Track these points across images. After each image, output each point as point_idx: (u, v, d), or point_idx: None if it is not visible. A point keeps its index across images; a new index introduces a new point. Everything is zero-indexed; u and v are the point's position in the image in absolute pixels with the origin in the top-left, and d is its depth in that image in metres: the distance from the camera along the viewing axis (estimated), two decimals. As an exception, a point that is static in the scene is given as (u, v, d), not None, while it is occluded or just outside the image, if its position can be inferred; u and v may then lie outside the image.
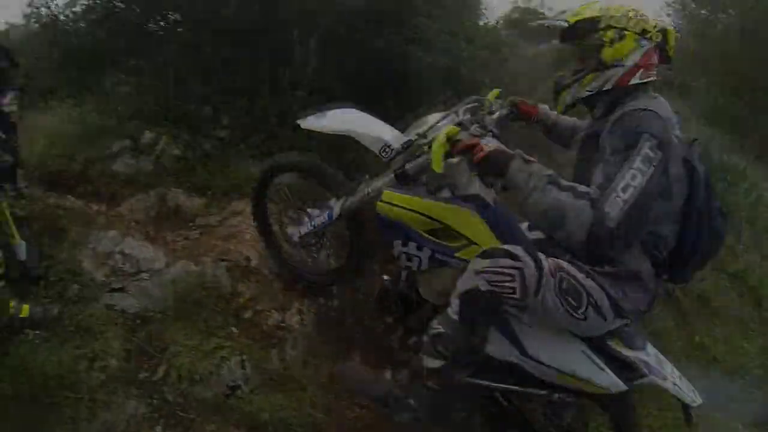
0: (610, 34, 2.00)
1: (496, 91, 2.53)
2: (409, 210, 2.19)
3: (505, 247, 2.02)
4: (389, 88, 4.25)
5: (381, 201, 2.25)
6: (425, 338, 2.17)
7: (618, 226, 1.71)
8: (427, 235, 2.20)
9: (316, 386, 2.73)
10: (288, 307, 2.97)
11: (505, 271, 1.95)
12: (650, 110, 1.87)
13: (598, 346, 2.12)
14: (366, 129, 2.43)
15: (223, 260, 3.10)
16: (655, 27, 2.01)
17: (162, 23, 4.69)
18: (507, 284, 1.95)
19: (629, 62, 2.00)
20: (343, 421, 2.69)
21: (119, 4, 4.57)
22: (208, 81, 4.27)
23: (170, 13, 4.65)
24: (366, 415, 2.73)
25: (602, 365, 2.09)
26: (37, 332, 2.49)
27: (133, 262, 3.00)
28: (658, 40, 2.02)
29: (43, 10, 4.62)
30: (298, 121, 2.61)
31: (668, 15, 10.78)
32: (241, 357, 2.65)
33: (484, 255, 2.02)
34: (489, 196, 2.27)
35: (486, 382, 2.26)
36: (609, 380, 2.09)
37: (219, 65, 4.26)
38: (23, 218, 2.82)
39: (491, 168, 1.93)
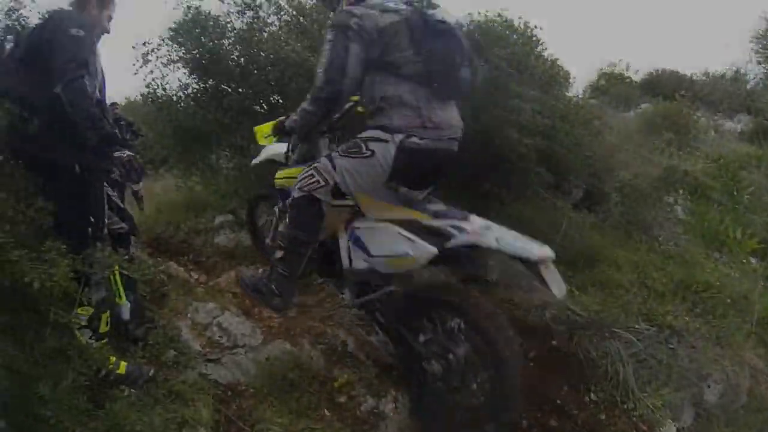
0: None
1: None
2: (287, 177, 3.02)
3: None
4: (485, 169, 4.22)
5: (275, 178, 3.14)
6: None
7: (323, 84, 2.45)
8: None
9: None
10: (383, 394, 2.87)
11: (306, 175, 2.59)
12: (341, 10, 2.54)
13: (408, 224, 2.51)
14: (273, 152, 3.28)
15: (319, 343, 3.10)
16: None
17: (265, 105, 4.95)
18: (312, 182, 2.56)
19: None
20: None
21: (226, 87, 4.89)
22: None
23: (273, 96, 4.92)
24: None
25: (412, 237, 2.48)
26: (132, 390, 2.50)
27: (230, 336, 3.05)
28: None
29: (159, 91, 4.99)
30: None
31: (758, 62, 10.41)
32: (331, 440, 2.56)
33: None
34: None
35: (365, 298, 2.79)
36: (418, 247, 2.45)
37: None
38: (130, 281, 2.90)
39: (291, 129, 2.80)
